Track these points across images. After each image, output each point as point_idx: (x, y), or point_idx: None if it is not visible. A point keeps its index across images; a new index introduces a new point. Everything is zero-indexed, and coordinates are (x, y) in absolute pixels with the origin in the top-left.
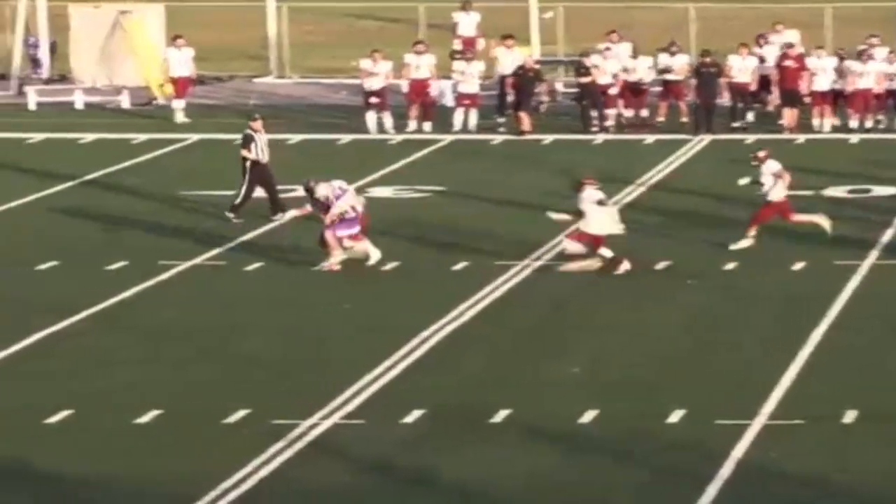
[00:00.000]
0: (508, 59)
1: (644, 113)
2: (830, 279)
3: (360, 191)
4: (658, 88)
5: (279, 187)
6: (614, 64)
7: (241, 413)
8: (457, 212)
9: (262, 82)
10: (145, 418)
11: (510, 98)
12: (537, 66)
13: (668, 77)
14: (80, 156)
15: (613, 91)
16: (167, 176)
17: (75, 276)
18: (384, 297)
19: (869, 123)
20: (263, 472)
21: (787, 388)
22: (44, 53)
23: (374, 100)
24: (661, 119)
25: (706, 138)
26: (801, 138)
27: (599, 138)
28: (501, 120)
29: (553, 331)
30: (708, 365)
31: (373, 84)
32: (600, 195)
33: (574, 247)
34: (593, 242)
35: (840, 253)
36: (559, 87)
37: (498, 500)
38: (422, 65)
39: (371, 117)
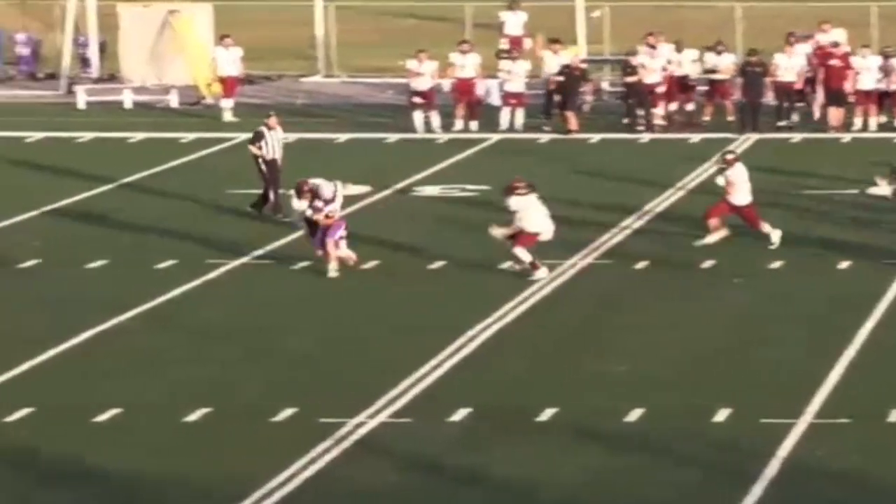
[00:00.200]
0: (555, 63)
1: (690, 107)
2: (877, 279)
3: (406, 190)
4: (704, 87)
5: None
6: (661, 62)
7: (289, 412)
8: (503, 211)
9: (310, 81)
10: (193, 417)
11: (556, 99)
12: (583, 66)
13: (714, 76)
14: (129, 155)
15: (660, 90)
16: (215, 175)
17: (125, 274)
18: (429, 296)
19: None
20: (310, 472)
21: (833, 387)
22: (93, 53)
23: (418, 100)
24: (706, 118)
25: (752, 137)
26: (846, 137)
27: (645, 137)
28: (547, 122)
29: (599, 329)
30: (753, 363)
31: (419, 84)
32: (531, 198)
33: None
34: (529, 241)
35: (887, 253)
36: (605, 86)
37: (545, 498)
38: (467, 64)
39: (418, 116)
